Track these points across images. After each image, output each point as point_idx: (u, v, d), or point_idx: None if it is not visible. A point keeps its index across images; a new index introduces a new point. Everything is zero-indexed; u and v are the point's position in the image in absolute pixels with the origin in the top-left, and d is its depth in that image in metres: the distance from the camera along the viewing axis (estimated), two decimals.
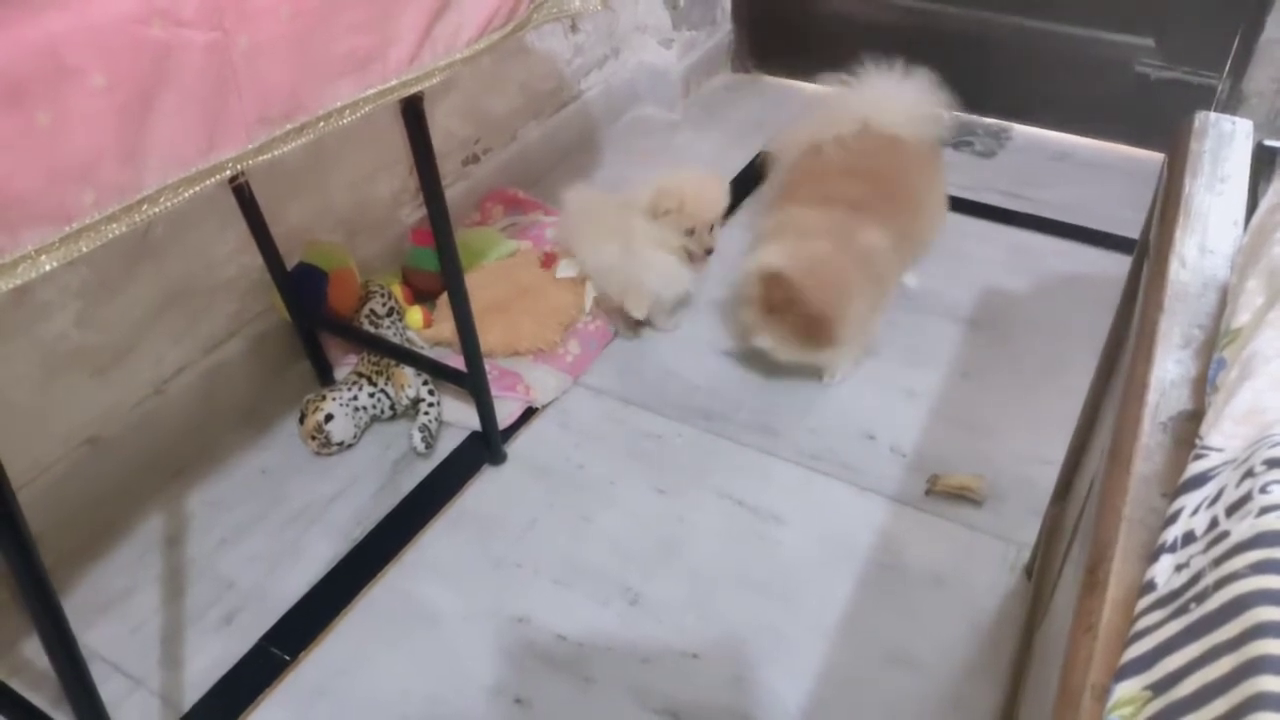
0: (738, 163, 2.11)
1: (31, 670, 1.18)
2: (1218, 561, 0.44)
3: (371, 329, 1.54)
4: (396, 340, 1.55)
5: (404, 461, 1.45)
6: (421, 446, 1.42)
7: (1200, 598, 0.43)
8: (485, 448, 1.45)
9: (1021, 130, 2.16)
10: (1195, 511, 0.49)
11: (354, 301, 1.57)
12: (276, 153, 0.82)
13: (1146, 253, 0.82)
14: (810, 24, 2.31)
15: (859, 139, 1.56)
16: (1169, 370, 0.61)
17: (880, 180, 1.51)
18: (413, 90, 0.93)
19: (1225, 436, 0.51)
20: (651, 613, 1.23)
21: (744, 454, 1.44)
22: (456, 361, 1.39)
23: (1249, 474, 0.47)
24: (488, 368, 1.37)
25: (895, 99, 1.57)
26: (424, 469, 1.44)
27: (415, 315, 1.62)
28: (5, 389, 1.22)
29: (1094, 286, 1.70)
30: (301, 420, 1.44)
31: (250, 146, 0.80)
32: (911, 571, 1.26)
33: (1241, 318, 0.57)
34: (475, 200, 1.92)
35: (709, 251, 1.55)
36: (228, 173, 0.78)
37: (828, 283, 1.38)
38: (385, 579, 1.28)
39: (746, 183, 2.05)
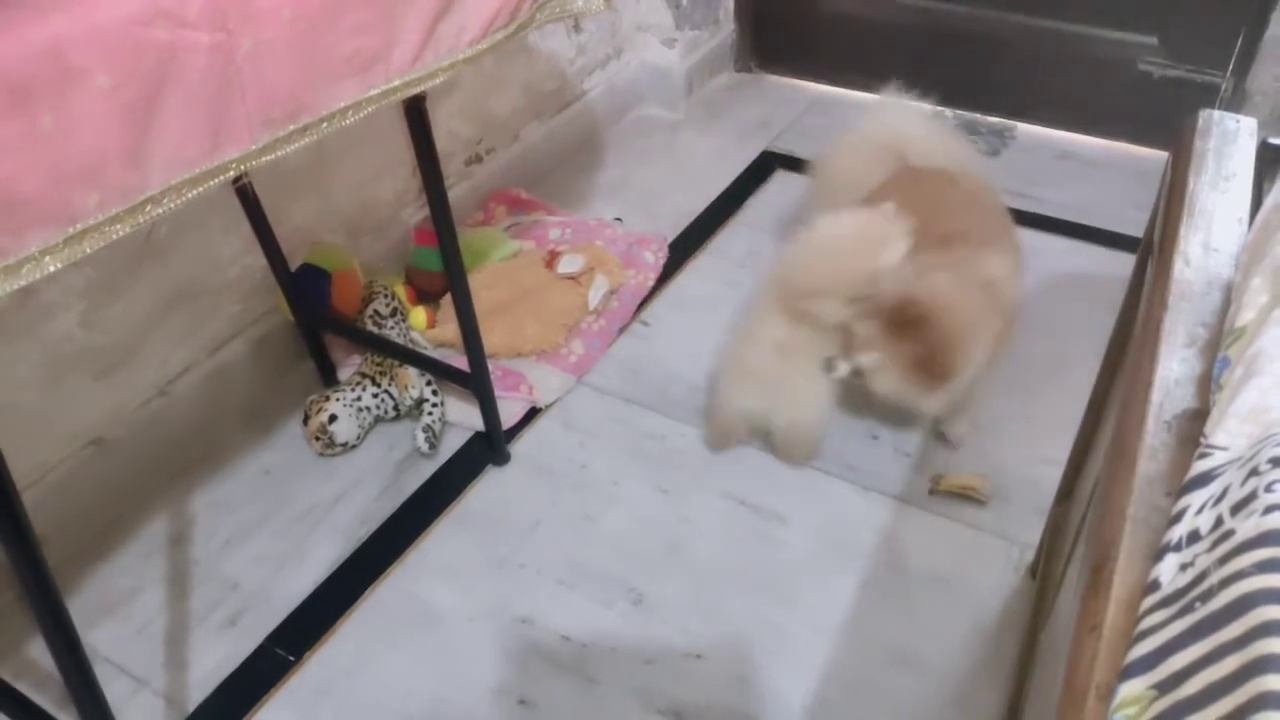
0: (741, 163, 2.11)
1: (36, 671, 1.19)
2: (1222, 560, 0.44)
3: (375, 329, 1.54)
4: (400, 341, 1.55)
5: (408, 462, 1.45)
6: (425, 447, 1.42)
7: (1205, 597, 0.43)
8: (489, 448, 1.45)
9: (1025, 129, 2.16)
10: (1200, 510, 0.48)
11: (357, 302, 1.57)
12: (280, 153, 0.82)
13: (1150, 251, 0.82)
14: (813, 23, 2.31)
15: (917, 176, 1.44)
16: (1173, 369, 0.60)
17: (973, 210, 1.38)
18: (416, 90, 0.93)
19: (1230, 435, 0.51)
20: (655, 613, 1.23)
21: (747, 454, 1.44)
22: (460, 362, 1.39)
23: (1254, 472, 0.46)
24: (491, 368, 1.38)
25: (930, 136, 1.49)
26: (428, 469, 1.44)
27: (419, 316, 1.62)
28: (10, 390, 1.23)
29: (1098, 285, 1.69)
30: (305, 421, 1.44)
31: (254, 147, 0.80)
32: (915, 571, 1.26)
33: (1246, 316, 0.57)
34: (478, 200, 1.92)
35: None
36: (231, 173, 0.78)
37: (958, 312, 1.21)
38: (389, 579, 1.29)
39: (749, 183, 2.05)
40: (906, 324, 1.20)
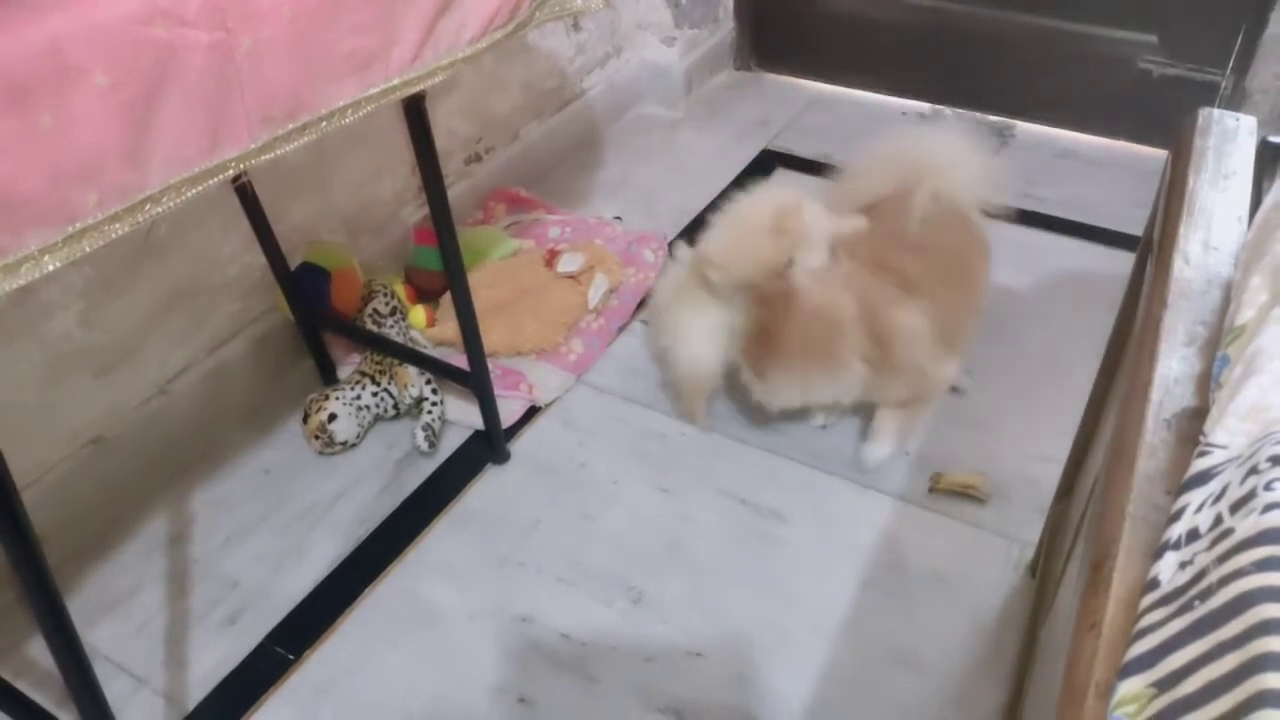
0: (740, 161, 2.11)
1: (36, 670, 1.19)
2: (1222, 559, 0.44)
3: (374, 328, 1.54)
4: (399, 339, 1.55)
5: (407, 460, 1.45)
6: (425, 445, 1.42)
7: (1204, 595, 0.43)
8: (488, 447, 1.45)
9: (1025, 128, 2.16)
10: (1199, 509, 0.48)
11: (357, 301, 1.57)
12: (279, 152, 0.82)
13: (1150, 250, 0.82)
14: (813, 21, 2.31)
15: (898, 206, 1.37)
16: (1173, 367, 0.60)
17: (940, 262, 1.33)
18: (415, 89, 0.93)
19: (1229, 433, 0.51)
20: (655, 611, 1.23)
21: (747, 452, 1.44)
22: (460, 360, 1.39)
23: (1253, 471, 0.46)
24: (490, 367, 1.38)
25: (965, 166, 1.41)
26: (427, 468, 1.44)
27: (418, 314, 1.62)
28: (10, 389, 1.23)
29: (1097, 284, 1.69)
30: (305, 419, 1.44)
31: (253, 146, 0.80)
32: (915, 570, 1.26)
33: (1245, 314, 0.57)
34: (478, 199, 1.92)
35: None
36: (231, 172, 0.78)
37: (823, 331, 1.22)
38: (389, 578, 1.29)
39: (749, 181, 2.04)
40: (776, 298, 1.21)
